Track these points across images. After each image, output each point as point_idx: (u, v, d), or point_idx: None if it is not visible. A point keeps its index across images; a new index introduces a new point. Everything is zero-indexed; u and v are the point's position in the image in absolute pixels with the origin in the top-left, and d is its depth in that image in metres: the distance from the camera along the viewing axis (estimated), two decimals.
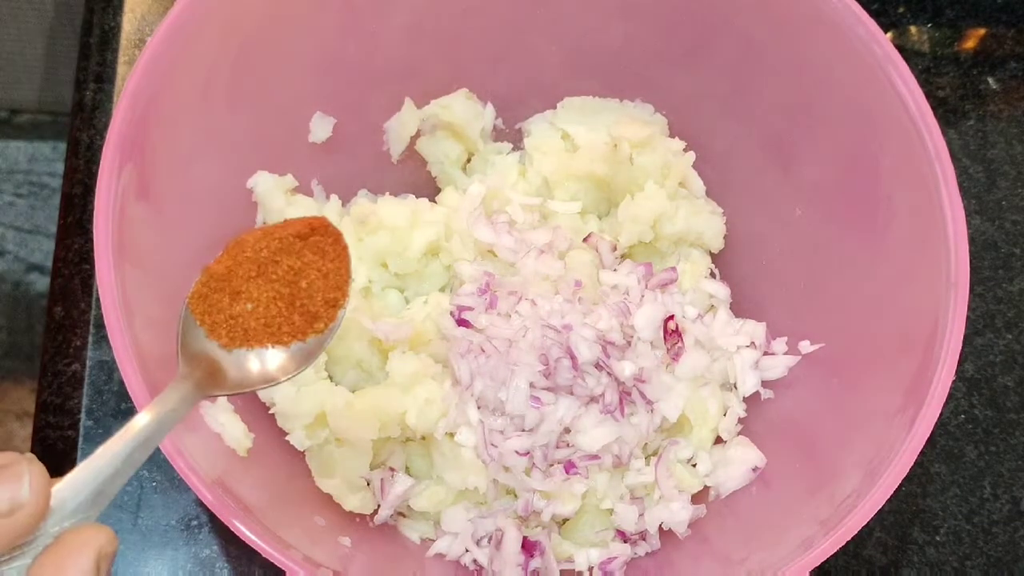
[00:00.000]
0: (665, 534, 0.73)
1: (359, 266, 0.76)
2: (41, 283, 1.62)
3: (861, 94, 0.66)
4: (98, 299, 0.74)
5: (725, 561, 0.69)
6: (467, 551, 0.72)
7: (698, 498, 0.74)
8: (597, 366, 0.71)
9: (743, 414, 0.76)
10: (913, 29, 0.98)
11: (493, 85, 0.80)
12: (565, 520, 0.74)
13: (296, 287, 0.54)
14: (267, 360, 0.53)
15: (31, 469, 0.39)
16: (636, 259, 0.81)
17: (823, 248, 0.73)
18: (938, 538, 0.81)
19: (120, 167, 0.58)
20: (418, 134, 0.81)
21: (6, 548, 0.39)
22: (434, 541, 0.72)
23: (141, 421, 0.46)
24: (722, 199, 0.81)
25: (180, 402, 0.49)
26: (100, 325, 0.81)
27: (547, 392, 0.71)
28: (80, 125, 0.88)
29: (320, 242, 0.56)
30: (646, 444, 0.74)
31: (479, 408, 0.71)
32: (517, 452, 0.71)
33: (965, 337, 0.60)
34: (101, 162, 0.58)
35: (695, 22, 0.73)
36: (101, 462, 0.43)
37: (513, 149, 0.84)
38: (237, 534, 0.55)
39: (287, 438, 0.70)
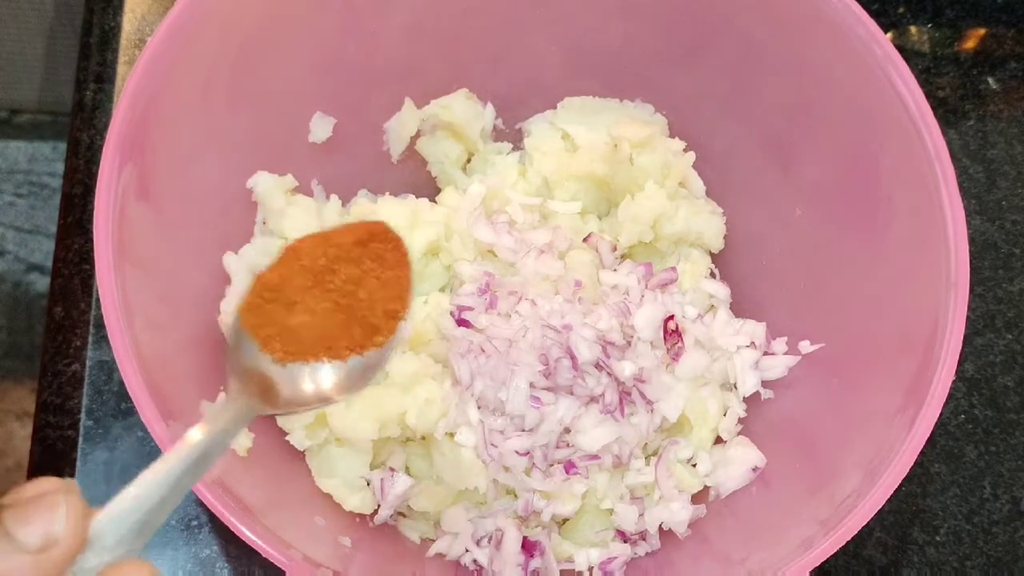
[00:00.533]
0: (665, 534, 0.73)
1: None
2: (41, 283, 1.62)
3: (861, 94, 0.66)
4: (98, 299, 0.74)
5: (725, 561, 0.69)
6: (467, 551, 0.71)
7: (698, 498, 0.74)
8: (597, 366, 0.71)
9: (743, 414, 0.76)
10: (913, 29, 0.98)
11: (493, 85, 0.80)
12: (565, 520, 0.74)
13: (355, 297, 0.50)
14: (323, 376, 0.49)
15: (68, 500, 0.36)
16: (636, 259, 0.81)
17: (823, 248, 0.73)
18: (938, 538, 0.81)
19: (120, 167, 0.58)
20: (418, 134, 0.81)
21: None
22: (434, 541, 0.72)
23: (188, 444, 0.42)
24: (722, 199, 0.81)
25: (232, 423, 0.45)
26: (100, 325, 0.81)
27: (547, 392, 0.71)
28: (80, 125, 0.88)
29: (380, 249, 0.52)
30: (646, 444, 0.74)
31: (479, 408, 0.71)
32: (517, 452, 0.71)
33: (965, 337, 0.60)
34: (101, 162, 0.58)
35: (695, 22, 0.73)
36: (144, 490, 0.40)
37: (513, 149, 0.84)
38: (237, 534, 0.55)
39: (287, 438, 0.70)
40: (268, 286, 0.50)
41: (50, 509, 0.35)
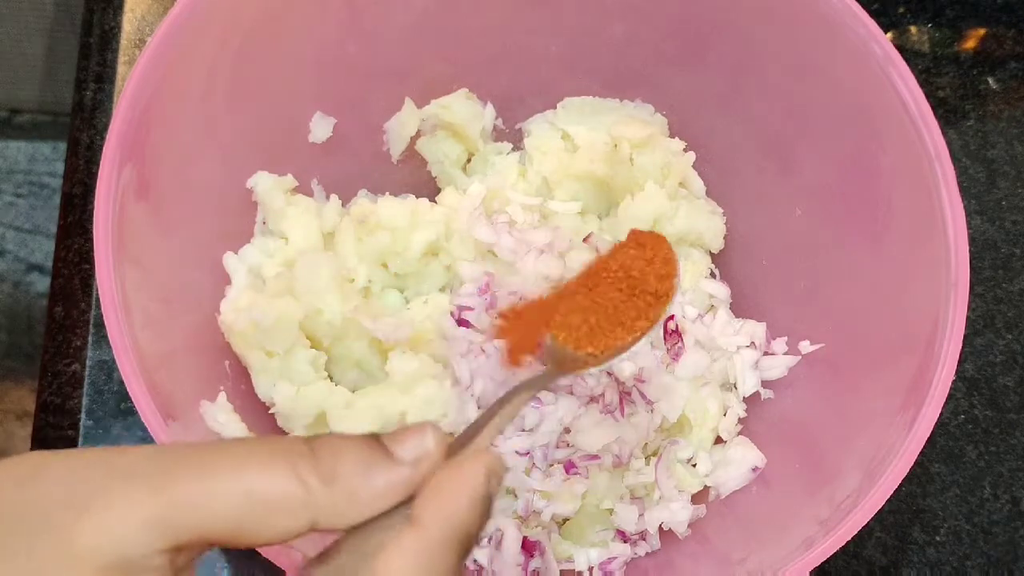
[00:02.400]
0: (665, 534, 0.73)
1: (359, 266, 0.76)
2: (41, 283, 1.62)
3: (861, 94, 0.66)
4: (98, 299, 0.74)
5: (725, 561, 0.69)
6: None
7: (698, 498, 0.74)
8: None
9: (743, 414, 0.76)
10: (913, 29, 0.98)
11: (493, 85, 0.80)
12: (565, 520, 0.74)
13: (630, 278, 0.56)
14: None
15: (430, 426, 0.43)
16: None
17: (823, 248, 0.73)
18: (938, 538, 0.81)
19: (120, 167, 0.58)
20: (418, 134, 0.81)
21: (411, 493, 0.41)
22: None
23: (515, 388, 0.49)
24: (722, 199, 0.81)
25: (547, 375, 0.52)
26: (100, 325, 0.81)
27: (547, 392, 0.71)
28: (80, 125, 0.88)
29: (638, 236, 0.58)
30: (646, 444, 0.74)
31: (479, 408, 0.71)
32: (517, 452, 0.71)
33: (965, 337, 0.60)
34: (101, 162, 0.58)
35: (695, 22, 0.73)
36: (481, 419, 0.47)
37: (513, 149, 0.84)
38: None
39: None
40: (564, 302, 0.56)
41: (420, 432, 0.42)
